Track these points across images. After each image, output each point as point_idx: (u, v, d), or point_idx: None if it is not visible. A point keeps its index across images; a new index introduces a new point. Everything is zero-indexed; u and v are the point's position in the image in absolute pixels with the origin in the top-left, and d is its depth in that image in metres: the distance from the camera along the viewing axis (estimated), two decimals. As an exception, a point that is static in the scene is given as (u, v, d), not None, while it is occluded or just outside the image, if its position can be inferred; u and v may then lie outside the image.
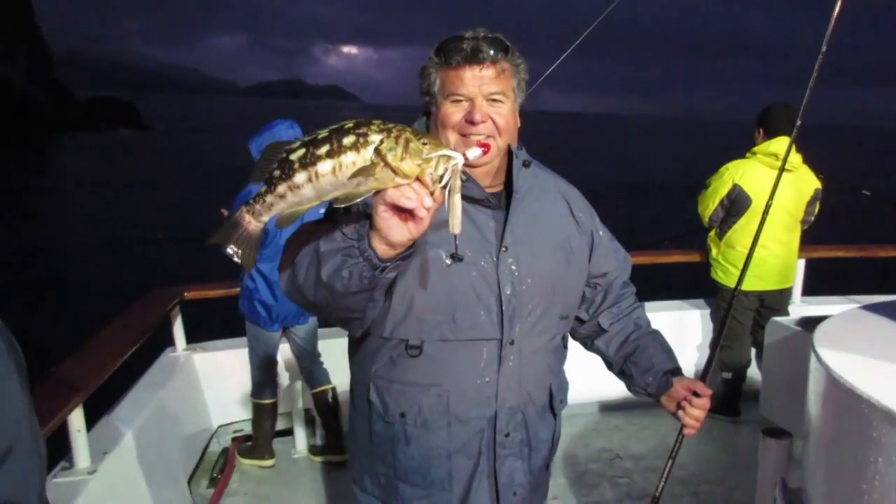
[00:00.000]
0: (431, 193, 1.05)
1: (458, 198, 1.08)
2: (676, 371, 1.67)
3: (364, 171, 1.01)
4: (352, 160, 1.02)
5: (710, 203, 4.11)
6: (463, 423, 1.48)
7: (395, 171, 1.01)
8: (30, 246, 15.44)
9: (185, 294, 3.66)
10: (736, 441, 4.00)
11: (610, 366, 1.77)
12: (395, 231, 1.10)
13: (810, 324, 1.95)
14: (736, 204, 4.02)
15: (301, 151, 1.04)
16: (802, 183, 4.07)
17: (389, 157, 1.00)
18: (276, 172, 1.06)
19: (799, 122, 2.27)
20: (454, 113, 1.44)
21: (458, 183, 1.07)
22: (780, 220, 3.98)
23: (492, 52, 1.42)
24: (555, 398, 1.61)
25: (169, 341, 3.81)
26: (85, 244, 16.08)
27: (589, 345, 1.79)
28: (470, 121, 1.43)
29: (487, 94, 1.43)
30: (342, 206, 1.06)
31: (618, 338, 1.73)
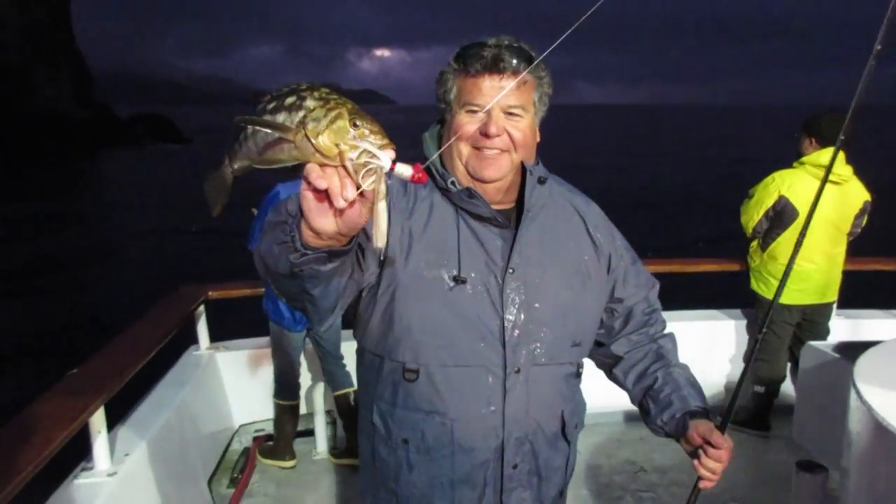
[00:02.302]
0: (358, 187, 0.90)
1: (382, 206, 0.93)
2: (698, 412, 1.50)
3: (284, 133, 0.90)
4: (281, 120, 0.92)
5: (755, 214, 3.97)
6: (467, 453, 1.41)
7: (313, 146, 0.88)
8: (70, 252, 15.77)
9: (210, 293, 3.66)
10: (765, 457, 3.89)
11: (631, 399, 1.65)
12: (316, 215, 0.94)
13: (849, 351, 1.86)
14: (781, 216, 3.88)
15: (262, 105, 0.96)
16: (851, 196, 3.91)
17: (309, 127, 0.89)
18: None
19: (842, 138, 2.12)
20: (468, 124, 1.37)
21: (383, 189, 0.92)
22: (825, 233, 3.86)
23: (514, 62, 1.33)
24: (567, 424, 1.51)
25: (193, 340, 3.83)
26: (122, 248, 16.38)
27: (608, 373, 1.68)
28: (485, 133, 1.35)
29: (505, 107, 1.35)
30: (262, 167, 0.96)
31: (636, 368, 1.61)
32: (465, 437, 1.40)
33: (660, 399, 1.54)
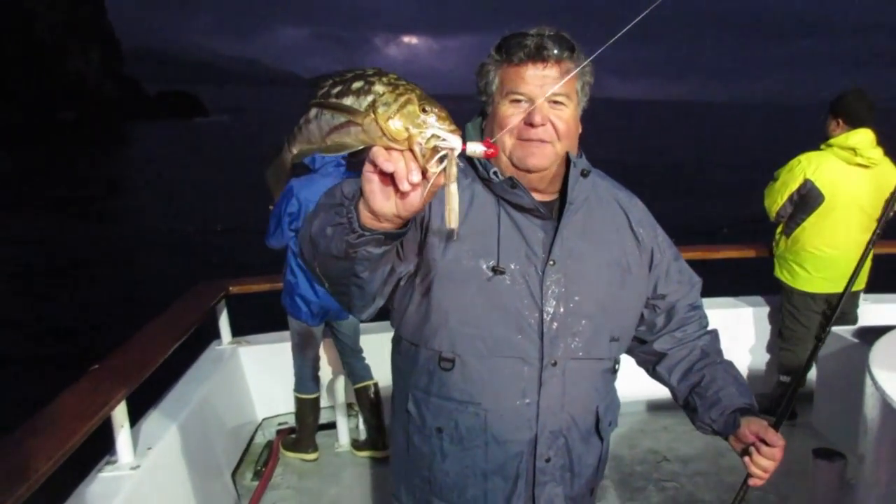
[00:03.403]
0: (424, 171, 0.92)
1: (454, 188, 0.95)
2: (748, 409, 1.49)
3: (353, 116, 0.92)
4: (349, 104, 0.94)
5: (779, 197, 3.86)
6: (500, 445, 1.40)
7: (382, 130, 0.91)
8: (90, 246, 16.04)
9: (231, 288, 3.70)
10: (790, 445, 3.79)
11: (675, 397, 1.62)
12: (378, 198, 0.97)
13: (869, 335, 1.82)
14: (806, 200, 3.78)
15: (325, 88, 0.97)
16: (882, 179, 3.74)
17: (380, 111, 0.91)
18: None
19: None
20: (513, 114, 1.35)
21: (454, 171, 0.94)
22: (854, 220, 3.74)
23: (556, 50, 1.32)
24: (602, 421, 1.50)
25: (215, 334, 3.87)
26: (143, 242, 16.61)
27: (651, 371, 1.66)
28: (529, 123, 1.34)
29: (550, 96, 1.33)
30: (333, 154, 0.98)
31: (681, 365, 1.58)
32: (499, 429, 1.39)
33: (707, 396, 1.51)
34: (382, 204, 0.98)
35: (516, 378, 1.38)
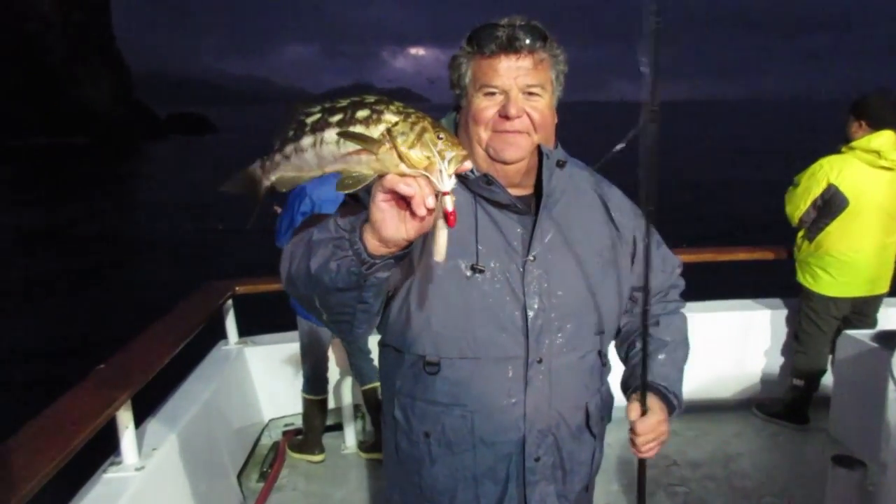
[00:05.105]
0: (437, 194, 0.96)
1: (441, 222, 0.99)
2: (648, 387, 1.48)
3: (369, 145, 0.94)
4: (358, 132, 0.96)
5: (801, 203, 3.80)
6: (489, 447, 1.38)
7: (401, 158, 0.94)
8: (100, 251, 16.17)
9: (237, 288, 3.68)
10: (803, 451, 3.78)
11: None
12: (390, 225, 0.99)
13: (888, 340, 1.77)
14: (830, 205, 3.72)
15: (316, 116, 0.99)
16: None
17: (399, 141, 0.94)
18: (290, 133, 1.02)
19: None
20: (487, 107, 1.33)
21: (449, 205, 0.98)
22: (879, 223, 3.69)
23: (528, 40, 1.30)
24: (592, 417, 1.47)
25: (221, 334, 3.85)
26: (151, 247, 16.74)
27: (618, 352, 1.66)
28: (504, 115, 1.31)
29: (524, 87, 1.31)
30: (346, 191, 0.98)
31: (629, 339, 1.60)
32: (486, 430, 1.37)
33: (630, 367, 1.57)
34: (394, 230, 1.00)
35: (501, 378, 1.36)
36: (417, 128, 0.94)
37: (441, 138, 0.95)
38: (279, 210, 3.58)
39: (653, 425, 1.44)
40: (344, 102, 0.98)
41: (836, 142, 3.84)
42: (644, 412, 1.45)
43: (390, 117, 0.95)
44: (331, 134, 0.96)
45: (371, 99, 0.98)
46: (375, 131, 0.94)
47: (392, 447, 1.49)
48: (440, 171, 0.95)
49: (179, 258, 14.44)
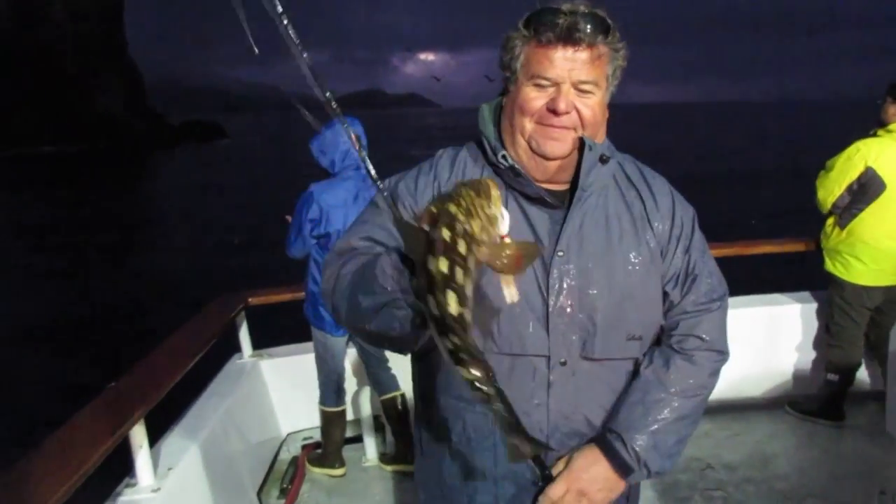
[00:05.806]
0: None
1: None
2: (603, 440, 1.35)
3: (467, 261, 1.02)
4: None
5: (835, 187, 3.67)
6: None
7: (478, 246, 1.01)
8: (111, 261, 16.25)
9: (250, 300, 3.59)
10: (840, 448, 3.64)
11: None
12: None
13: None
14: (866, 189, 3.59)
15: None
16: None
17: (473, 248, 1.01)
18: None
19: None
20: (536, 99, 1.26)
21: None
22: None
23: (589, 31, 1.21)
24: None
25: (235, 348, 3.76)
26: (163, 258, 16.84)
27: None
28: (552, 109, 1.24)
29: (577, 82, 1.23)
30: None
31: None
32: None
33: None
34: None
35: (526, 377, 1.30)
36: (464, 227, 0.99)
37: (474, 215, 1.01)
38: (289, 219, 3.49)
39: (553, 498, 1.31)
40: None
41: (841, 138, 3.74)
42: (547, 476, 1.33)
43: (446, 232, 0.98)
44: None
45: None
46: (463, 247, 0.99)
47: (419, 445, 1.49)
48: (499, 221, 1.06)
49: (193, 266, 14.46)
